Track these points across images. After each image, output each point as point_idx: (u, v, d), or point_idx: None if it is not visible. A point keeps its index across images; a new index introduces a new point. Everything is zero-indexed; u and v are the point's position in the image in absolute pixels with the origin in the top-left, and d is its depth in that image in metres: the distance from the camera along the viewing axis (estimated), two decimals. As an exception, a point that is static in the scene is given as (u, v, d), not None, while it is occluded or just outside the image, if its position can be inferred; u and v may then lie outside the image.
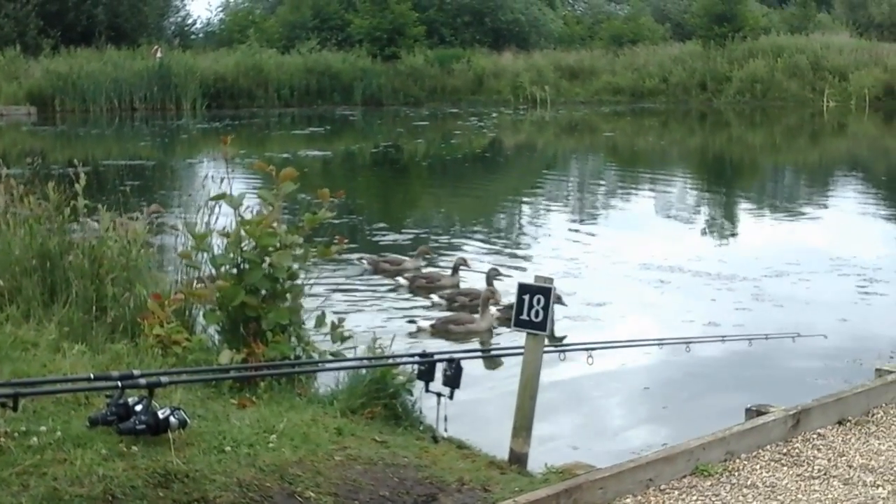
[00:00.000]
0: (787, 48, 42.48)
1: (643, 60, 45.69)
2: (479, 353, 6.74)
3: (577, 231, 16.95)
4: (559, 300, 10.77)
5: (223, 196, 7.02)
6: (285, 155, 26.51)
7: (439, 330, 10.50)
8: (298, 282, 7.00)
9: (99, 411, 5.02)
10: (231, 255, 6.81)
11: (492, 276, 11.97)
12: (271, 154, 26.13)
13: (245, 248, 6.78)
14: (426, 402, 6.32)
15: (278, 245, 6.72)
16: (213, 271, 7.19)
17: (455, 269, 12.39)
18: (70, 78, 41.34)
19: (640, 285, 12.40)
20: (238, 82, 44.24)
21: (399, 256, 13.45)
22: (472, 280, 12.43)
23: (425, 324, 10.70)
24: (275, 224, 6.80)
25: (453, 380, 6.04)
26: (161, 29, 53.64)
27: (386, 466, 5.36)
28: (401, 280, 12.48)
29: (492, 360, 8.14)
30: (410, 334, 10.40)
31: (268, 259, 6.71)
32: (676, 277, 12.75)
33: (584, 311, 11.12)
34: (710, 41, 44.41)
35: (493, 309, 10.75)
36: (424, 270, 12.95)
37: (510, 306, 10.68)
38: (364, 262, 13.24)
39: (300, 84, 44.94)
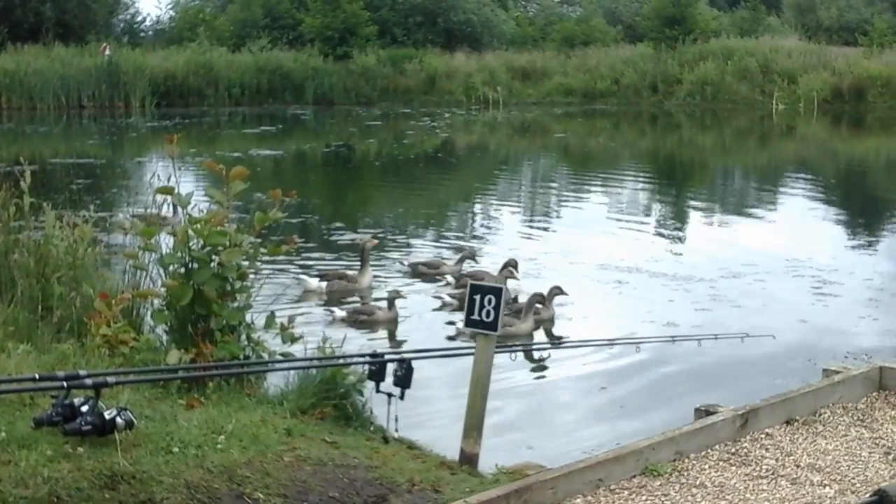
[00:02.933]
0: (736, 51, 42.84)
1: (595, 62, 45.88)
2: (429, 354, 6.71)
3: (532, 231, 17.01)
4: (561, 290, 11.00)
5: (171, 189, 6.93)
6: (236, 154, 26.32)
7: None
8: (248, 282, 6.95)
9: (44, 412, 4.94)
10: (179, 254, 6.74)
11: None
12: (222, 153, 25.97)
13: (194, 248, 6.71)
14: (377, 403, 6.29)
15: (227, 244, 6.66)
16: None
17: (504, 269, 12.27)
18: (17, 75, 40.83)
19: (598, 285, 12.42)
20: (188, 81, 43.89)
21: (438, 260, 13.48)
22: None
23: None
24: (224, 223, 6.74)
25: (404, 380, 6.02)
26: (110, 26, 53.12)
27: (336, 467, 5.32)
28: (449, 278, 12.46)
29: (443, 361, 8.11)
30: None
31: (216, 258, 6.65)
32: (634, 278, 12.79)
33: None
34: (662, 43, 44.67)
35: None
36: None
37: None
38: (405, 264, 13.31)
39: (251, 83, 44.70)
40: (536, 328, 10.64)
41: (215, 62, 44.43)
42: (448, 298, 11.58)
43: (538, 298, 10.76)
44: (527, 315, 10.54)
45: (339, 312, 10.77)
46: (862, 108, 38.07)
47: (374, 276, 12.57)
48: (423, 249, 15.00)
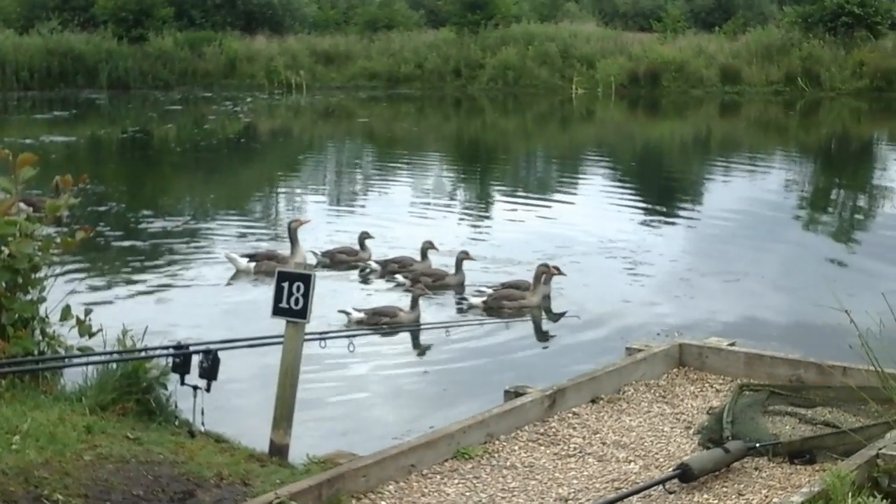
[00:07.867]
0: (537, 36, 43.55)
1: (398, 46, 45.93)
2: (237, 344, 6.55)
3: (339, 218, 16.88)
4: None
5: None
6: (28, 140, 25.28)
7: (492, 306, 10.60)
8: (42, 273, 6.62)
9: None
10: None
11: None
12: (11, 139, 24.85)
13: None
14: (182, 396, 6.10)
15: (17, 234, 6.33)
16: None
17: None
18: None
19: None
20: (-28, 64, 41.89)
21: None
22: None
23: (477, 300, 10.74)
24: (13, 212, 6.41)
25: (210, 372, 5.86)
26: None
27: (139, 464, 5.13)
28: (373, 265, 12.45)
29: (252, 350, 7.97)
30: (459, 310, 10.63)
31: (6, 249, 6.31)
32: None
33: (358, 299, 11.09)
34: (464, 28, 45.09)
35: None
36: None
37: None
38: (319, 254, 12.85)
39: (41, 66, 42.89)
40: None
41: (1, 45, 42.50)
42: (401, 279, 11.64)
43: (543, 270, 10.90)
44: (535, 288, 10.79)
45: (356, 314, 10.17)
46: (657, 93, 39.30)
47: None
48: (229, 237, 14.68)
